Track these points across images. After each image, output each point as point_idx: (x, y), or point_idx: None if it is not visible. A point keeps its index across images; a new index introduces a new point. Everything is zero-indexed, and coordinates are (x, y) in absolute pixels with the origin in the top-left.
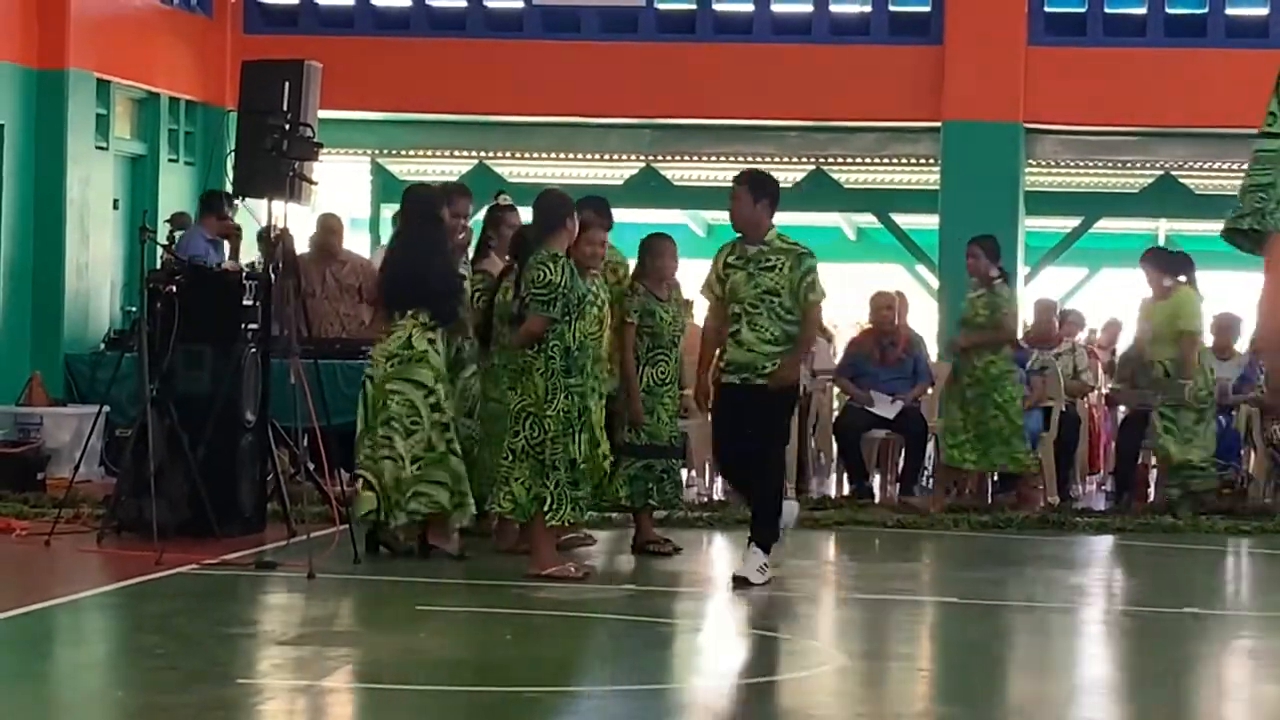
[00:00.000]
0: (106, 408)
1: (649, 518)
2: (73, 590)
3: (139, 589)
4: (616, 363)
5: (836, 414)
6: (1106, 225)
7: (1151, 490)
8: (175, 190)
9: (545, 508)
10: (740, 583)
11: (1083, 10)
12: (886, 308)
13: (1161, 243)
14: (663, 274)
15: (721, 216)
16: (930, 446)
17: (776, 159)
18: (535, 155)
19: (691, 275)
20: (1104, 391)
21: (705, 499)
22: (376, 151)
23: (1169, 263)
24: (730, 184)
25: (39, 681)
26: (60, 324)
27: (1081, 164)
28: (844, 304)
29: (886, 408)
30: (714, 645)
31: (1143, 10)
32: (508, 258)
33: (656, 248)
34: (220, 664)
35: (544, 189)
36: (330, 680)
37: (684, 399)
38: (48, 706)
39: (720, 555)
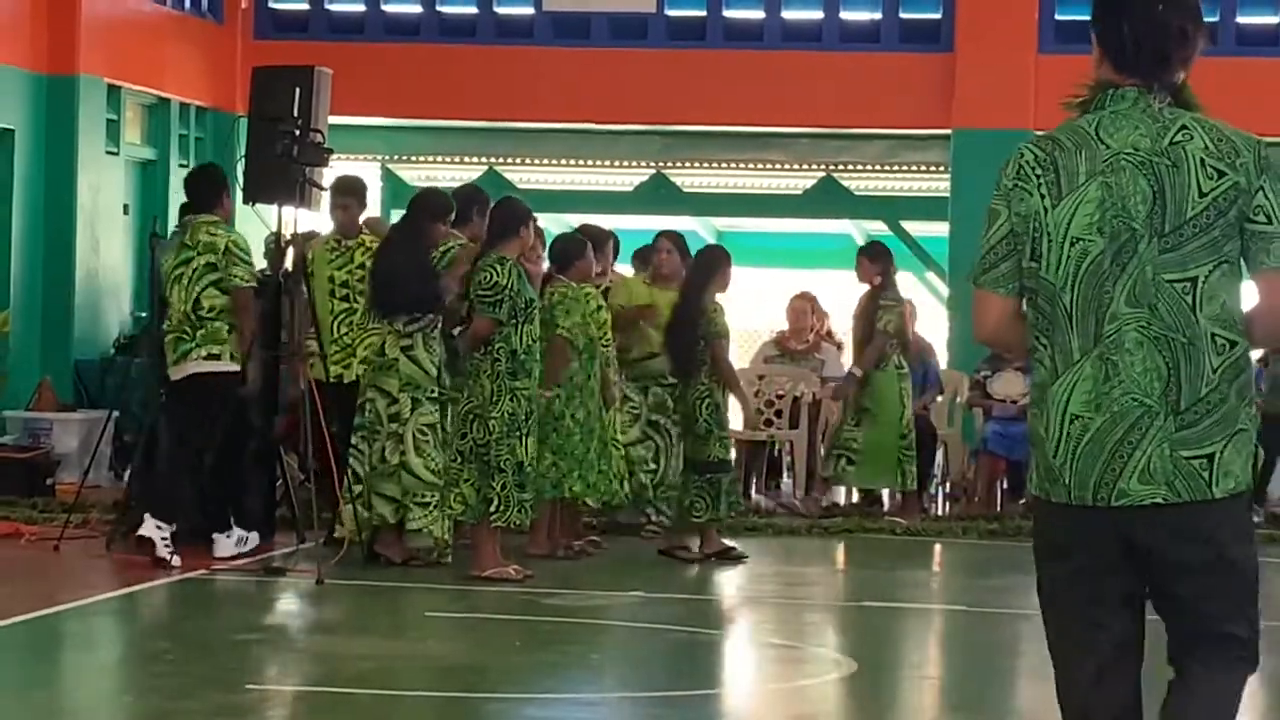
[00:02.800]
0: (116, 413)
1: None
2: (82, 595)
3: (148, 594)
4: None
5: None
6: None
7: None
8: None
9: (491, 509)
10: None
11: None
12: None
13: None
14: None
15: (732, 223)
16: (939, 454)
17: (786, 165)
18: (545, 161)
19: None
20: None
21: None
22: (386, 157)
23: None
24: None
25: (48, 686)
26: (70, 329)
27: None
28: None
29: None
30: (724, 652)
31: None
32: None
33: (729, 261)
34: (229, 669)
35: (502, 196)
36: (339, 686)
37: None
38: (57, 711)
39: (729, 563)
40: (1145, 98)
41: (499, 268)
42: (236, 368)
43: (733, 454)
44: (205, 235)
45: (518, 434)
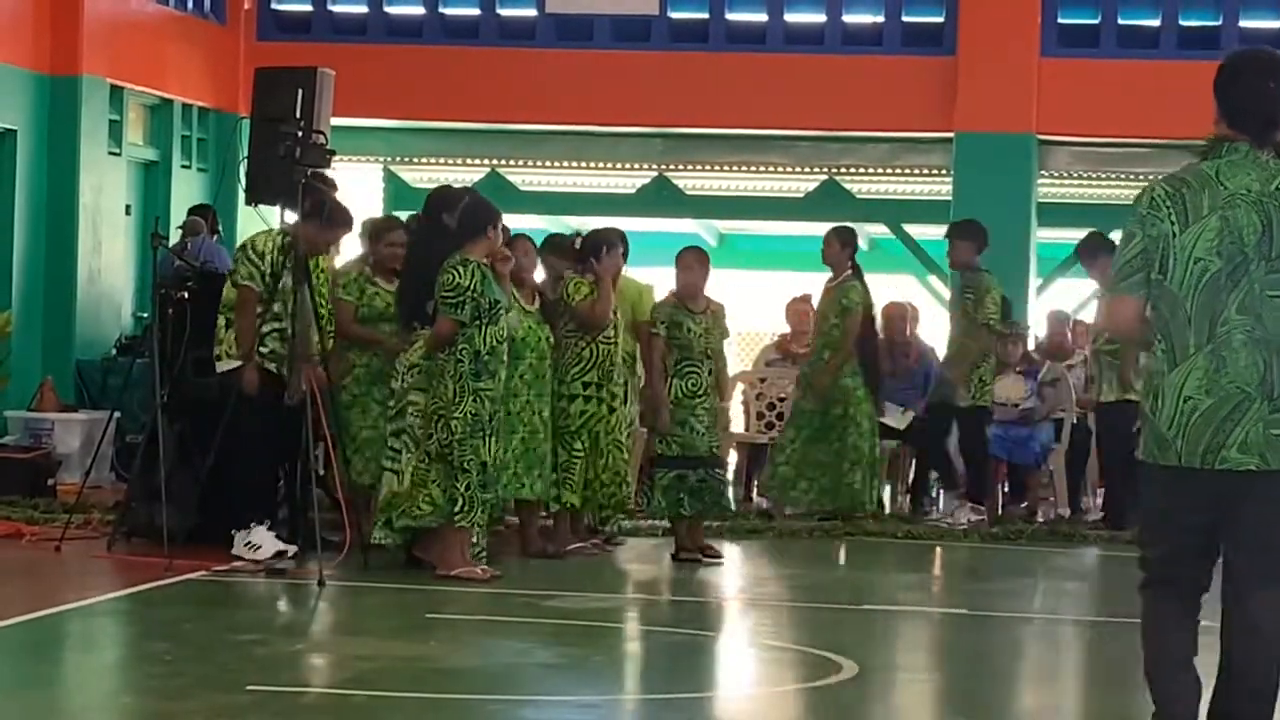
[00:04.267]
0: (118, 413)
1: (696, 527)
2: (83, 596)
3: (149, 595)
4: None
5: None
6: (1119, 237)
7: None
8: (187, 196)
9: (456, 509)
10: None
11: (1096, 22)
12: (899, 318)
13: None
14: (689, 287)
15: (734, 226)
16: None
17: (788, 168)
18: (547, 163)
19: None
20: None
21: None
22: (389, 159)
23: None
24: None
25: (48, 687)
26: (72, 330)
27: (1094, 175)
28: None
29: (897, 418)
30: (724, 655)
31: (1156, 22)
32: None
33: (682, 260)
34: (230, 670)
35: (469, 195)
36: (339, 687)
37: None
38: (57, 712)
39: (739, 565)
40: (1254, 151)
41: (462, 269)
42: (236, 364)
43: (676, 449)
44: (250, 237)
45: (481, 434)
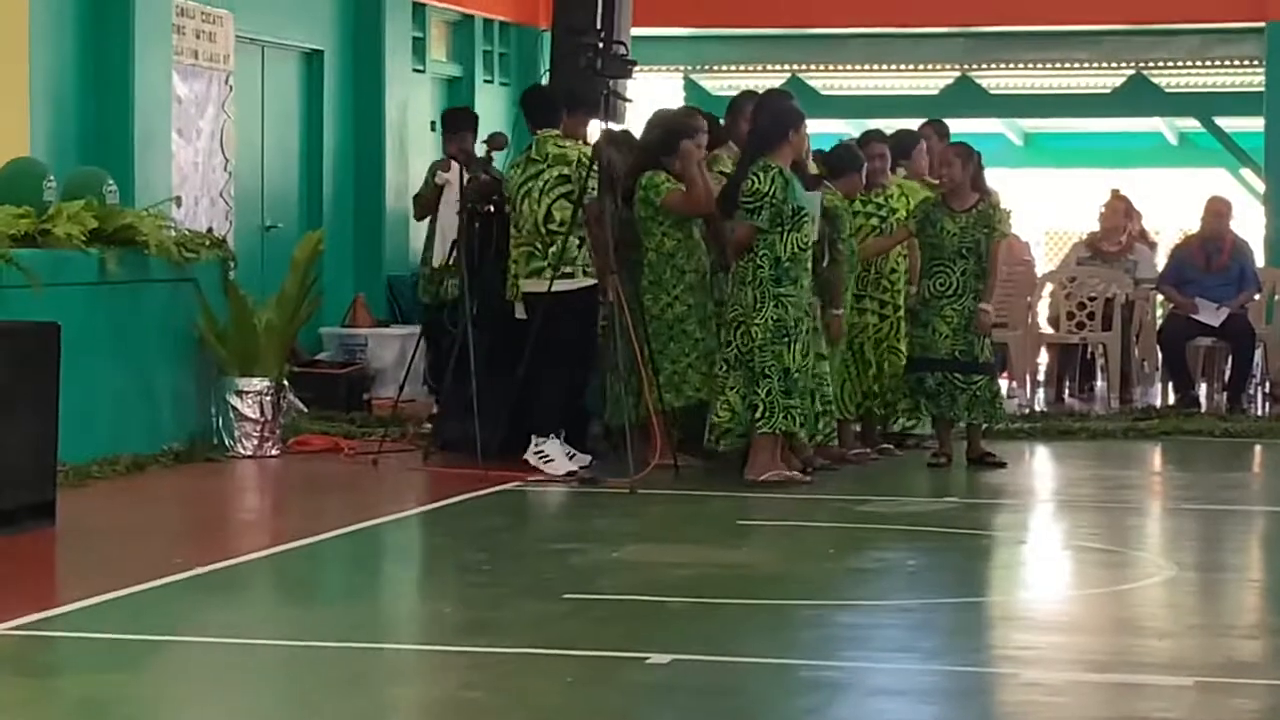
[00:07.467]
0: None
1: (973, 434)
2: (400, 508)
3: (464, 506)
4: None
5: (1160, 322)
6: None
7: None
8: (491, 111)
9: (757, 415)
10: None
11: None
12: (1218, 214)
13: None
14: (950, 182)
15: (1038, 124)
16: (1258, 355)
17: (1094, 64)
18: (848, 67)
19: (1011, 185)
20: None
21: (1027, 410)
22: (689, 67)
23: None
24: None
25: (369, 597)
26: (381, 245)
27: None
28: (1166, 210)
29: (1212, 315)
30: (1039, 557)
31: None
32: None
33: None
34: (546, 579)
35: (768, 95)
36: (653, 594)
37: (983, 315)
38: (379, 621)
39: (1043, 467)
40: None
41: (762, 175)
42: (591, 283)
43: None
44: (554, 148)
45: (784, 340)
